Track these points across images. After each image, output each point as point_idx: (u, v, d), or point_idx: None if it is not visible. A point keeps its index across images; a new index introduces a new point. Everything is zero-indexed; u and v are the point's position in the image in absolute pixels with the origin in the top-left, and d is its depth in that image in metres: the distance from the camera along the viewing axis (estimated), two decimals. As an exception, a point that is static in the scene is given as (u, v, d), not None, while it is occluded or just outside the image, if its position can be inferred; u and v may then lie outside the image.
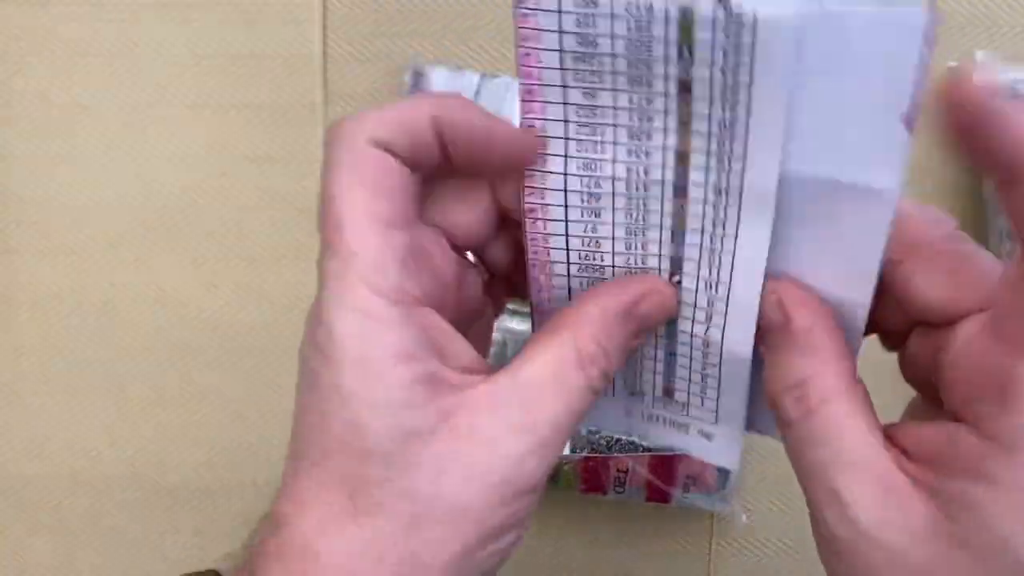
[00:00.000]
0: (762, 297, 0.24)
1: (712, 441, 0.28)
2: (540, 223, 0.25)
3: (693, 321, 0.26)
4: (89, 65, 0.49)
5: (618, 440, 0.47)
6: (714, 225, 0.24)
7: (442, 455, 0.22)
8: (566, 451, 0.47)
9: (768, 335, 0.24)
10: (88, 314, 0.51)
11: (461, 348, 0.24)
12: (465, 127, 0.23)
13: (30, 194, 0.50)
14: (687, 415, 0.28)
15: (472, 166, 0.24)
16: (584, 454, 0.47)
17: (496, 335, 0.43)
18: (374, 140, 0.23)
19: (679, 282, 0.26)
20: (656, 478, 0.48)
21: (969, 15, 0.47)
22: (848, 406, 0.23)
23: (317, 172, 0.47)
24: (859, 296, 0.24)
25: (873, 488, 0.22)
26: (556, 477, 0.48)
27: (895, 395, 0.26)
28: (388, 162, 0.23)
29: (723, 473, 0.48)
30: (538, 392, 0.23)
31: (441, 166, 0.24)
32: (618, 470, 0.48)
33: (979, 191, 0.47)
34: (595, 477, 0.48)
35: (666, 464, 0.48)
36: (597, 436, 0.47)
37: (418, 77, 0.47)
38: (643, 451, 0.47)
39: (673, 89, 0.23)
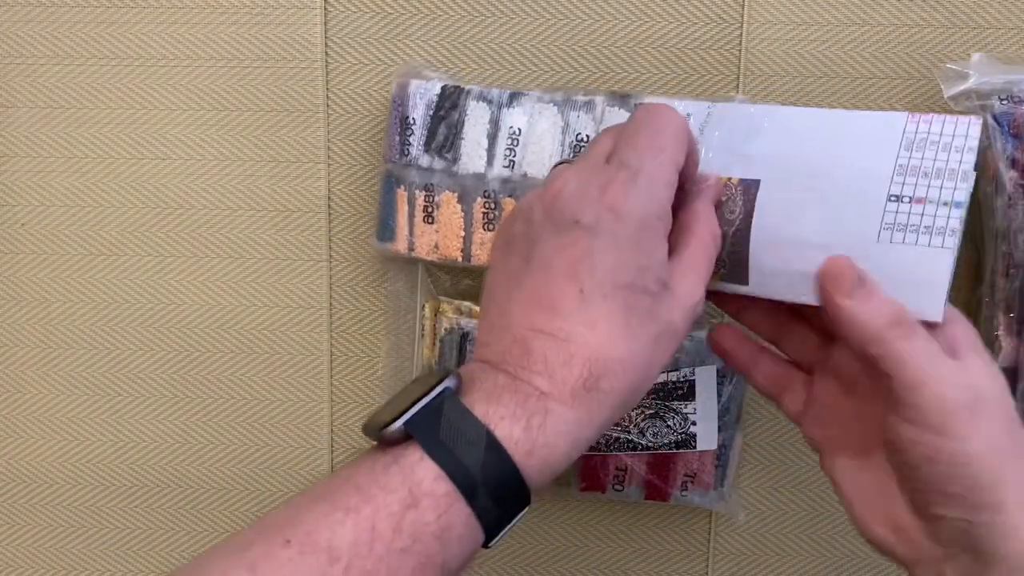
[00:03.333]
0: None
1: None
2: None
3: None
4: (91, 67, 0.49)
5: (616, 439, 0.47)
6: None
7: (671, 299, 0.34)
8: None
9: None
10: (90, 314, 0.51)
11: None
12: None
13: (30, 194, 0.50)
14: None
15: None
16: (583, 453, 0.48)
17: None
18: (687, 130, 0.36)
19: None
20: (654, 477, 0.48)
21: (966, 16, 0.47)
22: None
23: (318, 172, 0.47)
24: None
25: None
26: (555, 475, 0.49)
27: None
28: (686, 144, 0.36)
29: (721, 471, 0.49)
30: (698, 259, 0.36)
31: None
32: (617, 468, 0.48)
33: (975, 193, 0.47)
34: (594, 475, 0.49)
35: (664, 463, 0.48)
36: (596, 435, 0.47)
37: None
38: (642, 450, 0.47)
39: None
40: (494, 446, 0.31)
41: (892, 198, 0.36)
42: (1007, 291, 0.45)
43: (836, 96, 0.48)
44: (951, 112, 0.46)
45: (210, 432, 0.52)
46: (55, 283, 0.51)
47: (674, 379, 0.47)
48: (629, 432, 0.47)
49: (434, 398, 0.32)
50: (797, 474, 0.51)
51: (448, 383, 0.32)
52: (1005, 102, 0.44)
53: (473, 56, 0.48)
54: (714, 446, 0.47)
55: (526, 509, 0.33)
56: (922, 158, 0.36)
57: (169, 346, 0.51)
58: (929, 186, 0.35)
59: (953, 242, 0.35)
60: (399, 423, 0.31)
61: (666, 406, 0.47)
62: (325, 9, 0.48)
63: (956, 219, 0.35)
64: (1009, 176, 0.44)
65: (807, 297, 0.37)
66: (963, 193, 0.35)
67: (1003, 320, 0.45)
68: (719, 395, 0.47)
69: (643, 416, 0.47)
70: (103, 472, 0.53)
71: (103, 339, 0.51)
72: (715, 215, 0.38)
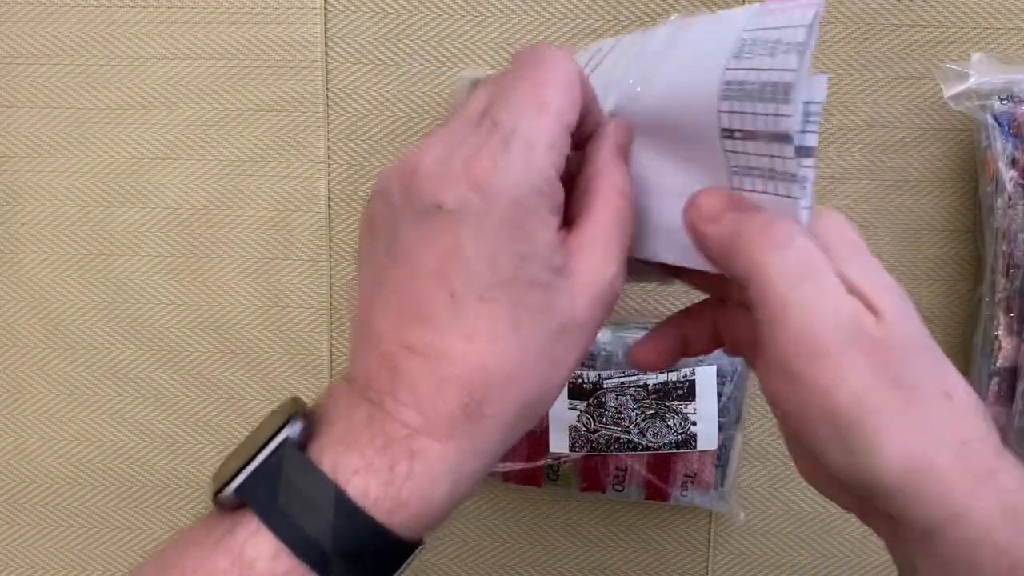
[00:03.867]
0: None
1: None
2: None
3: None
4: (92, 67, 0.49)
5: (617, 439, 0.47)
6: None
7: (572, 286, 0.28)
8: (564, 449, 0.47)
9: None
10: (90, 314, 0.51)
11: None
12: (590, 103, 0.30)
13: (30, 194, 0.50)
14: None
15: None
16: (583, 453, 0.48)
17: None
18: (580, 79, 0.29)
19: None
20: (655, 477, 0.48)
21: (966, 16, 0.47)
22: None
23: (318, 172, 0.47)
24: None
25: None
26: (555, 476, 0.49)
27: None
28: (579, 96, 0.29)
29: (721, 471, 0.49)
30: (605, 225, 0.29)
31: None
32: (617, 469, 0.48)
33: (975, 191, 0.47)
34: (594, 476, 0.49)
35: (665, 463, 0.48)
36: (597, 435, 0.47)
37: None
38: (642, 450, 0.47)
39: None
40: (346, 509, 0.26)
41: (725, 133, 0.28)
42: (1007, 290, 0.44)
43: (836, 95, 0.48)
44: (952, 112, 0.46)
45: (210, 432, 0.52)
46: (55, 283, 0.51)
47: (674, 379, 0.47)
48: (629, 432, 0.47)
49: (272, 453, 0.26)
50: (797, 474, 0.51)
51: (289, 430, 0.27)
52: (1005, 102, 0.44)
53: (474, 56, 0.48)
54: (714, 446, 0.47)
55: (418, 550, 0.27)
56: (748, 70, 0.27)
57: (168, 346, 0.51)
58: (755, 113, 0.27)
59: (802, 192, 0.27)
60: (230, 488, 0.26)
61: (666, 406, 0.47)
62: (325, 9, 0.48)
63: (791, 161, 0.26)
64: (1009, 176, 0.44)
65: (687, 258, 0.30)
66: (788, 121, 0.26)
67: (1003, 320, 0.45)
68: (719, 395, 0.47)
69: (643, 416, 0.47)
70: (102, 472, 0.53)
71: (103, 339, 0.51)
72: (623, 166, 0.30)
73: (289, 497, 0.26)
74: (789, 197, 0.27)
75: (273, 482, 0.26)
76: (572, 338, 0.28)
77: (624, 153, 0.31)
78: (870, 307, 0.27)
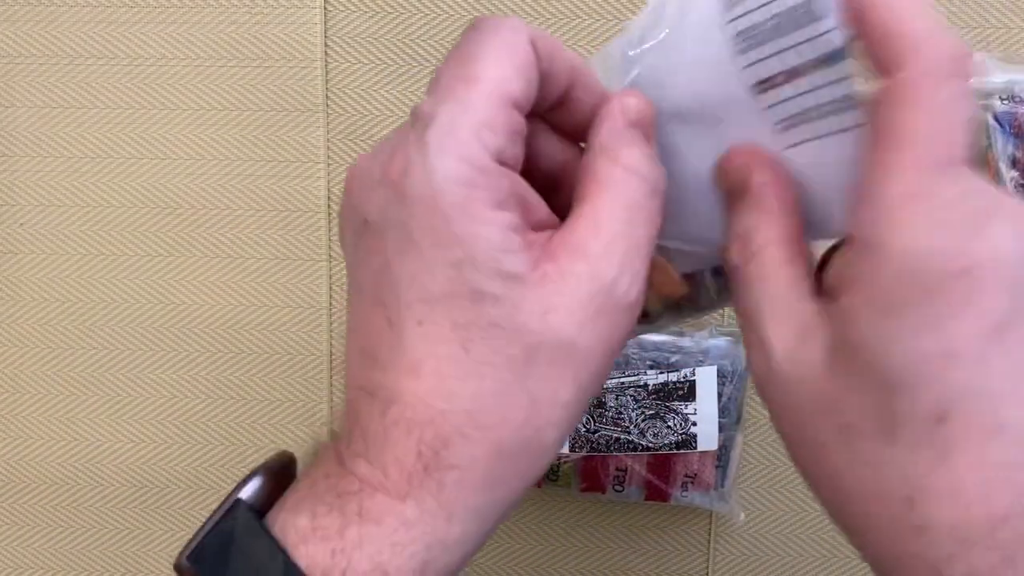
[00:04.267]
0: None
1: None
2: None
3: None
4: (90, 67, 0.49)
5: (617, 439, 0.47)
6: None
7: (543, 296, 0.22)
8: (565, 449, 0.47)
9: (731, 191, 0.26)
10: (89, 314, 0.51)
11: (539, 204, 0.25)
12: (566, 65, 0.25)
13: (30, 194, 0.50)
14: None
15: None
16: (583, 453, 0.48)
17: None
18: (531, 40, 0.24)
19: None
20: (655, 477, 0.48)
21: (965, 16, 0.47)
22: (783, 254, 0.24)
23: (319, 173, 0.47)
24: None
25: (790, 329, 0.23)
26: (555, 476, 0.49)
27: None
28: (534, 61, 0.24)
29: (721, 471, 0.48)
30: (607, 214, 0.24)
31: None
32: (617, 469, 0.48)
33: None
34: (594, 476, 0.49)
35: (665, 463, 0.48)
36: (596, 435, 0.47)
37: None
38: (642, 451, 0.47)
39: None
40: None
41: (761, 88, 0.24)
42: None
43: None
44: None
45: (208, 432, 0.52)
46: (54, 283, 0.51)
47: (674, 379, 0.46)
48: (629, 433, 0.47)
49: (223, 517, 0.24)
50: (798, 474, 0.51)
51: (248, 489, 0.24)
52: (1006, 102, 0.44)
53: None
54: (715, 446, 0.47)
55: None
56: (753, 12, 0.24)
57: (167, 346, 0.51)
58: (789, 47, 0.23)
59: (852, 118, 0.23)
60: (184, 555, 0.24)
61: (666, 407, 0.47)
62: (325, 8, 0.48)
63: (846, 81, 0.23)
64: (1010, 176, 0.44)
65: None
66: (833, 35, 0.23)
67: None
68: (719, 395, 0.47)
69: (643, 417, 0.47)
70: (101, 473, 0.53)
71: (101, 339, 0.51)
72: (639, 142, 0.25)
73: (239, 565, 0.23)
74: (857, 126, 0.23)
75: (225, 549, 0.23)
76: (555, 362, 0.22)
77: (639, 127, 0.25)
78: None
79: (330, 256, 0.50)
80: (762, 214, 0.24)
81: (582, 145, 0.27)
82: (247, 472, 0.25)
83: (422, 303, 0.22)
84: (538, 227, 0.24)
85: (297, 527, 0.22)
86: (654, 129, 0.26)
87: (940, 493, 0.21)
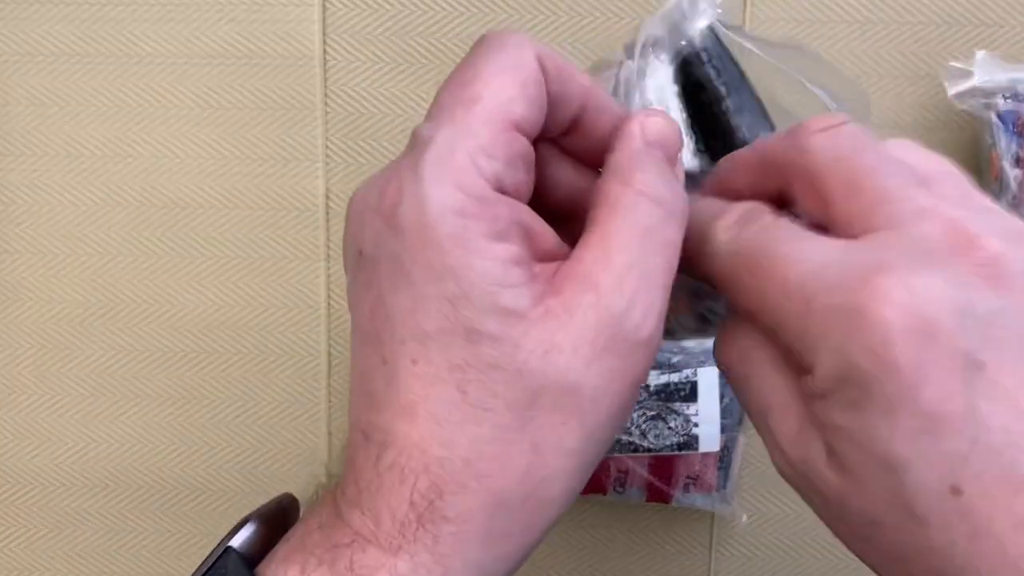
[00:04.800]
0: None
1: None
2: None
3: None
4: (88, 65, 0.49)
5: (618, 441, 0.47)
6: None
7: (545, 334, 0.21)
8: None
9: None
10: (87, 315, 0.51)
11: (547, 233, 0.23)
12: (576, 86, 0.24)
13: (29, 195, 0.50)
14: None
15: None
16: None
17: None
18: (539, 58, 0.23)
19: None
20: (656, 478, 0.48)
21: (970, 14, 0.47)
22: (768, 354, 0.23)
23: (317, 172, 0.47)
24: None
25: (790, 428, 0.22)
26: (556, 478, 0.48)
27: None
28: (542, 82, 0.23)
29: (723, 473, 0.48)
30: (618, 241, 0.22)
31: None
32: (618, 470, 0.48)
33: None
34: (595, 477, 0.48)
35: (666, 464, 0.48)
36: (597, 436, 0.47)
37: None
38: (643, 452, 0.47)
39: None
40: None
41: None
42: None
43: (839, 94, 0.48)
44: (955, 111, 0.46)
45: (206, 433, 0.52)
46: (51, 283, 0.51)
47: (676, 380, 0.46)
48: (630, 434, 0.47)
49: (212, 566, 0.23)
50: (800, 476, 0.51)
51: (240, 537, 0.23)
52: (1009, 100, 0.44)
53: (473, 54, 0.48)
54: (716, 448, 0.47)
55: None
56: None
57: (165, 346, 0.51)
58: None
59: None
60: None
61: (668, 408, 0.47)
62: (323, 5, 0.48)
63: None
64: (1014, 175, 0.44)
65: None
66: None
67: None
68: (721, 396, 0.47)
69: (644, 418, 0.47)
70: (99, 474, 0.52)
71: (99, 339, 0.51)
72: (659, 165, 0.23)
73: None
74: None
75: None
76: (559, 406, 0.21)
77: (661, 148, 0.23)
78: None
79: (328, 255, 0.50)
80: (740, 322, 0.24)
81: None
82: (242, 518, 0.24)
83: (416, 341, 0.21)
84: (546, 258, 0.23)
85: None
86: (681, 153, 0.24)
87: (993, 566, 0.19)
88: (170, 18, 0.48)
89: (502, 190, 0.22)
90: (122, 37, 0.49)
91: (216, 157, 0.49)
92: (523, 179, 0.23)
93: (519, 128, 0.22)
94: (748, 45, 0.28)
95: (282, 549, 0.22)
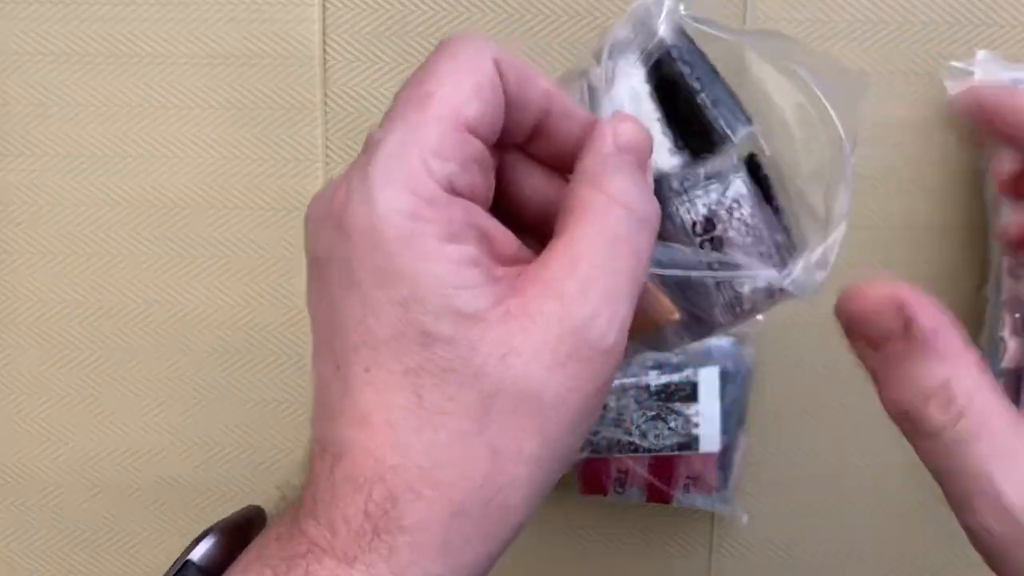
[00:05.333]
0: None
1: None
2: None
3: None
4: (87, 65, 0.49)
5: (618, 441, 0.47)
6: None
7: (504, 336, 0.20)
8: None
9: (888, 345, 0.23)
10: (87, 315, 0.51)
11: (506, 238, 0.23)
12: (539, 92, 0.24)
13: (28, 195, 0.50)
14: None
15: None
16: (584, 455, 0.47)
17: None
18: (496, 61, 0.23)
19: None
20: (656, 479, 0.48)
21: (971, 13, 0.47)
22: (992, 397, 0.22)
23: (317, 172, 0.47)
24: None
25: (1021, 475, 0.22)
26: (556, 478, 0.48)
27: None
28: (498, 84, 0.23)
29: (723, 473, 0.48)
30: (586, 247, 0.21)
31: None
32: (618, 471, 0.48)
33: (980, 191, 0.47)
34: (595, 478, 0.48)
35: (666, 465, 0.48)
36: (598, 437, 0.47)
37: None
38: (643, 452, 0.47)
39: None
40: None
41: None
42: (1013, 291, 0.44)
43: (839, 94, 0.47)
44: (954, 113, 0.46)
45: (207, 434, 0.52)
46: (50, 283, 0.51)
47: (676, 381, 0.46)
48: (631, 434, 0.47)
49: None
50: (801, 476, 0.51)
51: (199, 550, 0.24)
52: (1010, 100, 0.44)
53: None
54: (717, 448, 0.47)
55: None
56: None
57: (164, 346, 0.51)
58: None
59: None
60: None
61: (668, 408, 0.47)
62: (324, 5, 0.48)
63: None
64: (1014, 175, 0.44)
65: None
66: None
67: (1008, 320, 0.45)
68: (722, 397, 0.47)
69: (645, 418, 0.47)
70: (99, 473, 0.52)
71: (99, 340, 0.51)
72: (630, 169, 0.23)
73: None
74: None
75: None
76: (518, 411, 0.20)
77: (632, 153, 0.23)
78: None
79: (328, 256, 0.50)
80: (950, 360, 0.23)
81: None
82: (203, 530, 0.24)
83: (368, 347, 0.21)
84: (508, 263, 0.22)
85: None
86: (651, 159, 0.24)
87: None
88: (170, 18, 0.48)
89: (456, 192, 0.22)
90: (122, 37, 0.48)
91: (216, 157, 0.49)
92: (479, 182, 0.23)
93: (473, 130, 0.22)
94: (724, 36, 0.27)
95: (242, 561, 0.22)
